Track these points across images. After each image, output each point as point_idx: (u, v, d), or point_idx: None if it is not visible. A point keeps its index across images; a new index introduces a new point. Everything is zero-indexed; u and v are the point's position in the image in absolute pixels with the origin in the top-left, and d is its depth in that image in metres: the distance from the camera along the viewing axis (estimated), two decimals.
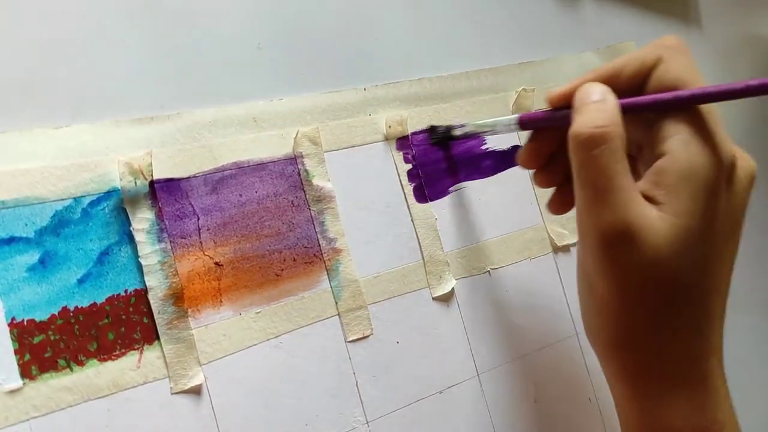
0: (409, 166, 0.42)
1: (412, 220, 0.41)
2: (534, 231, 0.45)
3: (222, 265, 0.35)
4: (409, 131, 0.42)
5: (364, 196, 0.40)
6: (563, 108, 0.33)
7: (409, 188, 0.41)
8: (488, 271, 0.43)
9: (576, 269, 0.33)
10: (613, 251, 0.30)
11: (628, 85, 0.32)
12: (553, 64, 0.49)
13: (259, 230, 0.36)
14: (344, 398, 0.37)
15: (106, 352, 0.31)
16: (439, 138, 0.42)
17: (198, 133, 0.35)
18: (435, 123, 0.42)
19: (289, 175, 0.38)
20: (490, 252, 0.43)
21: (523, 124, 0.37)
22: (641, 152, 0.33)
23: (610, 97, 0.31)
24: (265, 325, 0.36)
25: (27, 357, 0.30)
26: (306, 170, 0.38)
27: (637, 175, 0.32)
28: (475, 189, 0.44)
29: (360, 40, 0.42)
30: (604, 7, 0.53)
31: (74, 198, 0.31)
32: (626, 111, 0.31)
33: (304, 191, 0.38)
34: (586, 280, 0.32)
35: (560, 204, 0.38)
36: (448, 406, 0.40)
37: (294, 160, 0.38)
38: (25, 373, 0.29)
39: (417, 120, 0.42)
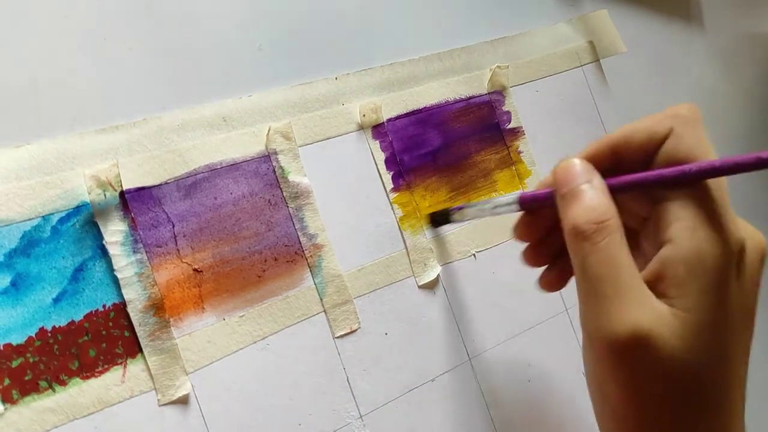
0: (387, 153, 0.41)
1: (392, 209, 0.40)
2: None
3: (201, 271, 0.34)
4: (384, 118, 0.41)
5: (343, 189, 0.39)
6: None
7: (387, 176, 0.41)
8: (473, 254, 0.43)
9: (585, 371, 0.31)
10: (629, 357, 0.27)
11: (638, 155, 0.30)
12: (526, 38, 0.48)
13: (237, 232, 0.36)
14: (336, 394, 0.37)
15: (88, 370, 0.31)
16: (438, 223, 0.42)
17: (166, 137, 0.34)
18: (410, 107, 0.42)
19: (264, 173, 0.37)
20: (474, 235, 0.43)
21: (523, 204, 0.34)
22: (645, 225, 0.31)
23: (597, 178, 0.29)
24: (250, 328, 0.35)
25: (6, 382, 0.29)
26: (281, 167, 0.37)
27: (639, 251, 0.30)
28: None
29: (328, 28, 0.41)
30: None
31: (42, 216, 0.31)
32: (628, 188, 0.29)
33: (281, 188, 0.37)
34: (596, 386, 0.30)
35: (553, 281, 0.36)
36: (442, 394, 0.40)
37: (268, 157, 0.37)
38: (6, 398, 0.29)
39: (391, 106, 0.42)
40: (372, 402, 0.38)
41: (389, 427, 0.38)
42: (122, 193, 0.33)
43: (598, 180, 0.29)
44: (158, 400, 0.32)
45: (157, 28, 0.36)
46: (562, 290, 0.45)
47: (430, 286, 0.41)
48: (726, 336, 0.28)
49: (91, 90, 0.34)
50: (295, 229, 0.37)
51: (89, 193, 0.32)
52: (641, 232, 0.31)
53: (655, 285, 0.28)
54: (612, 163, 0.31)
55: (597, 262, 0.27)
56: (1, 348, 0.29)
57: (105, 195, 0.32)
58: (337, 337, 0.37)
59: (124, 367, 0.32)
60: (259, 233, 0.36)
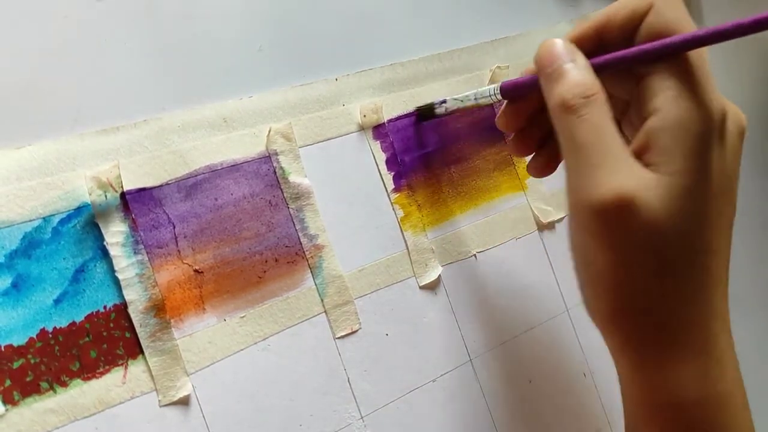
0: (387, 154, 0.41)
1: (393, 209, 0.40)
2: (518, 210, 0.45)
3: (202, 272, 0.34)
4: (385, 119, 0.41)
5: (343, 189, 0.39)
6: None
7: (388, 177, 0.41)
8: (474, 255, 0.43)
9: (569, 243, 0.32)
10: (613, 220, 0.28)
11: (620, 34, 0.31)
12: (527, 38, 0.48)
13: (237, 233, 0.36)
14: (337, 395, 0.37)
15: (89, 371, 0.31)
16: (425, 118, 0.42)
17: (167, 138, 0.34)
18: (410, 108, 0.42)
19: (265, 174, 0.37)
20: (475, 235, 0.43)
21: (504, 91, 0.35)
22: (627, 112, 0.32)
23: (580, 57, 0.30)
24: (251, 329, 0.35)
25: (8, 383, 0.29)
26: (281, 167, 0.37)
27: (623, 137, 0.31)
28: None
29: (328, 29, 0.41)
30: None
31: (43, 218, 0.31)
32: (612, 66, 0.30)
33: (281, 189, 0.37)
34: (580, 256, 0.31)
35: (542, 166, 0.37)
36: (443, 394, 0.40)
37: (268, 158, 0.37)
38: (7, 399, 0.29)
39: (392, 107, 0.42)
40: (373, 402, 0.38)
41: (390, 428, 0.38)
42: (123, 194, 0.33)
43: (581, 58, 0.30)
44: (159, 401, 0.32)
45: (157, 28, 0.36)
46: (562, 290, 0.46)
47: (431, 286, 0.41)
48: (708, 203, 0.29)
49: (91, 90, 0.34)
50: (296, 230, 0.37)
51: (90, 194, 0.32)
52: (623, 119, 0.32)
53: (642, 155, 0.29)
54: (595, 45, 0.31)
55: (584, 131, 0.28)
56: (2, 349, 0.29)
57: (106, 196, 0.32)
58: (338, 338, 0.37)
59: (125, 368, 0.32)
60: (259, 234, 0.36)
